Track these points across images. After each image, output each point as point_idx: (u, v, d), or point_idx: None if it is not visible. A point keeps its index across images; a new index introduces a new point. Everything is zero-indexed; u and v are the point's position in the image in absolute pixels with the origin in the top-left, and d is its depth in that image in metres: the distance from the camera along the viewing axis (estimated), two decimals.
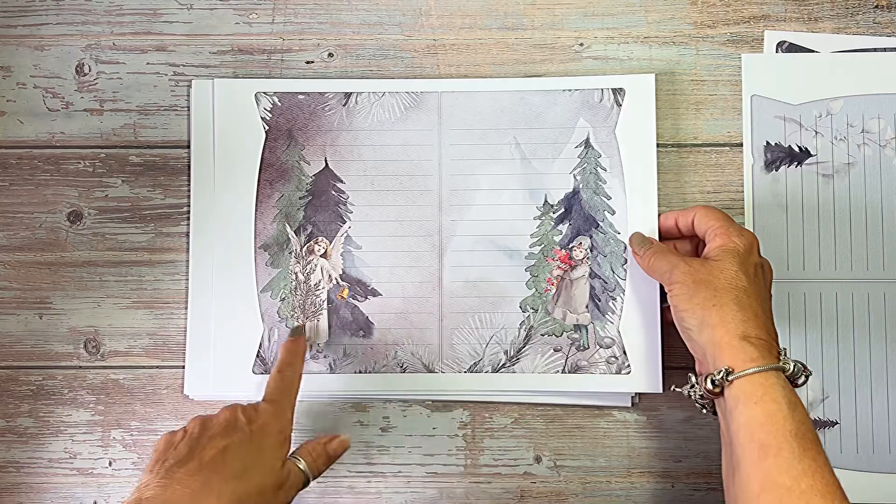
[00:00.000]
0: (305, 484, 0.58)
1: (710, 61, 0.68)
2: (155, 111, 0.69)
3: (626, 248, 0.66)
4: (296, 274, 0.67)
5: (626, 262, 0.66)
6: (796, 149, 0.68)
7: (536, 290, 0.66)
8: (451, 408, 0.67)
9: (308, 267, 0.68)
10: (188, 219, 0.68)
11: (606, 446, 0.67)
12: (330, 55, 0.69)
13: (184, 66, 0.69)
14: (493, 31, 0.69)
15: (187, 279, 0.67)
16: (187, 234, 0.68)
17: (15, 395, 0.68)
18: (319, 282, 0.67)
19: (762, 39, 0.69)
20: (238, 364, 0.66)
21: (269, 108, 0.68)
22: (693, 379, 0.58)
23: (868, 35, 0.69)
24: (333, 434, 0.61)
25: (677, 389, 0.60)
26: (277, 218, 0.68)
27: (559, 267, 0.67)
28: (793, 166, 0.67)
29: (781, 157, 0.68)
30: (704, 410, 0.58)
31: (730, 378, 0.52)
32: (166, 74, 0.69)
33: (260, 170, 0.68)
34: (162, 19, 0.69)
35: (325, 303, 0.67)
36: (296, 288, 0.67)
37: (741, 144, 0.68)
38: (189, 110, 0.68)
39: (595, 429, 0.67)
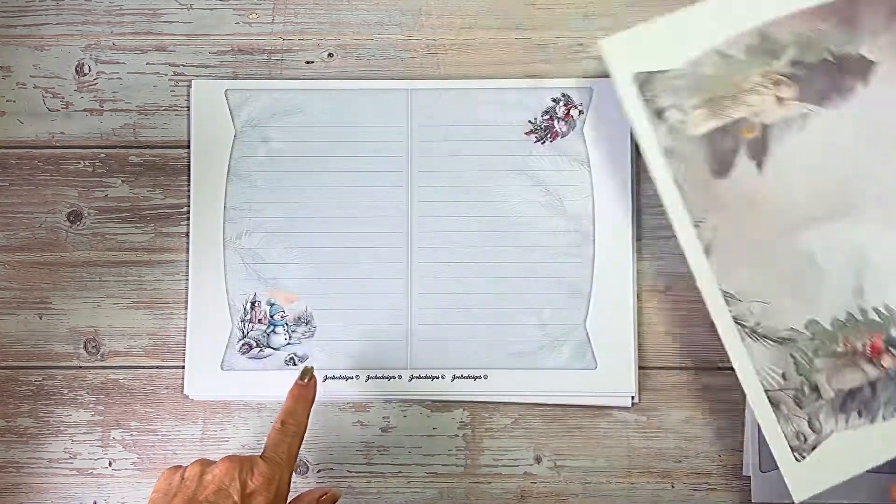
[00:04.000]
0: None
1: None
2: (155, 111, 0.69)
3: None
4: None
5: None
6: None
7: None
8: (451, 408, 0.67)
9: None
10: (188, 219, 0.68)
11: (606, 446, 0.67)
12: (330, 55, 0.69)
13: (184, 66, 0.69)
14: (493, 31, 0.69)
15: (187, 279, 0.67)
16: (187, 234, 0.68)
17: (15, 395, 0.68)
18: None
19: None
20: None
21: None
22: None
23: None
24: (324, 489, 0.58)
25: None
26: None
27: None
28: None
29: None
30: None
31: None
32: (166, 74, 0.69)
33: None
34: (162, 19, 0.69)
35: None
36: None
37: None
38: (189, 110, 0.69)
39: (595, 429, 0.67)
